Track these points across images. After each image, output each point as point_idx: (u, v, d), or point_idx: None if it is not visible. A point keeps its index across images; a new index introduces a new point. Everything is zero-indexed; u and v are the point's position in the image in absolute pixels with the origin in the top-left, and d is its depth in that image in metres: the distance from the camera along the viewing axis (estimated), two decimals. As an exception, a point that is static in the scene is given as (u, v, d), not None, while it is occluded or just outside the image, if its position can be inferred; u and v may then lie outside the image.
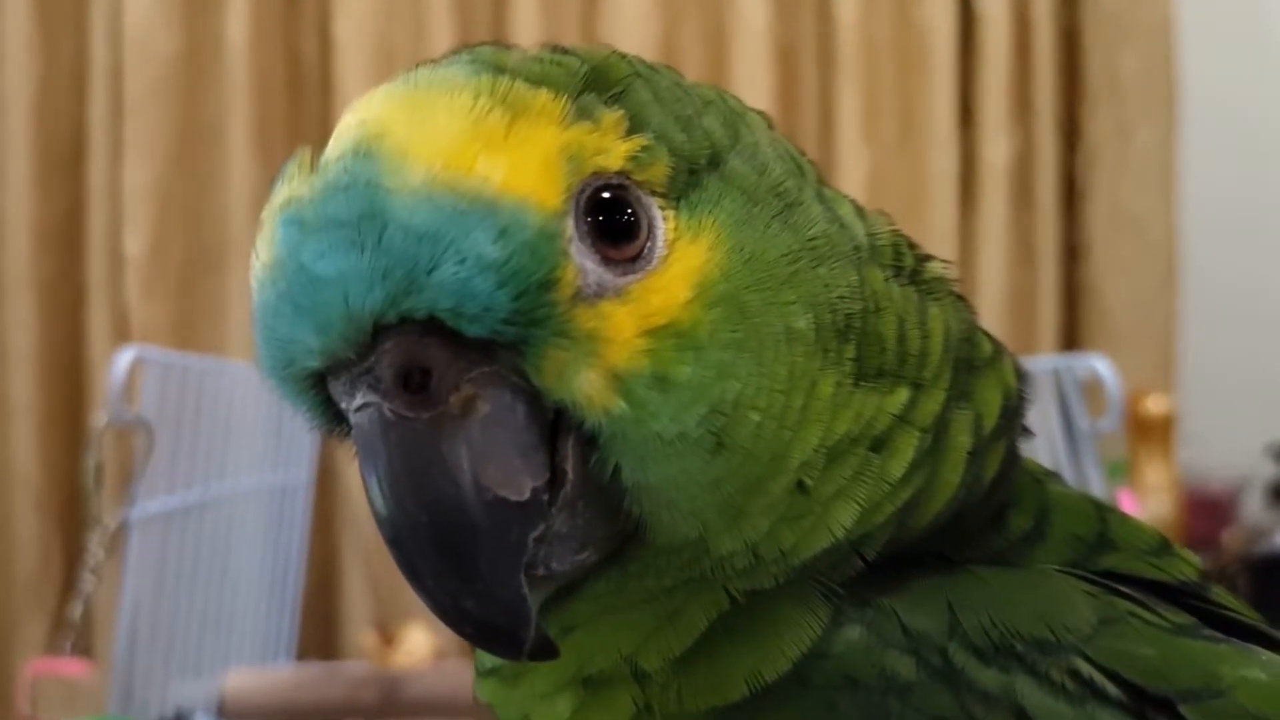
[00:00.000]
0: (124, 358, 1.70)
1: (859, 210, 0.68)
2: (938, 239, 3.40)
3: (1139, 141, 3.46)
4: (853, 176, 3.36)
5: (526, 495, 0.55)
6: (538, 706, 0.63)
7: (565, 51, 0.62)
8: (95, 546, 1.70)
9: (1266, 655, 0.62)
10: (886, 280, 0.65)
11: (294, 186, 0.57)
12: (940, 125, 3.40)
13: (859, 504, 0.60)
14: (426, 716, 1.78)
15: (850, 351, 0.61)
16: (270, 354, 0.57)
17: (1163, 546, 0.68)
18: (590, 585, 0.61)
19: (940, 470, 0.63)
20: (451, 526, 0.55)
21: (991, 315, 3.43)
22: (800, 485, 0.59)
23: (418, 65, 0.61)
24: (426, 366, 0.54)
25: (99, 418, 1.70)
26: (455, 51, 0.62)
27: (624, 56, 0.63)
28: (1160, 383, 3.35)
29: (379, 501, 0.56)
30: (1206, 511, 3.24)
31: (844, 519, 0.59)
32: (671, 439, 0.56)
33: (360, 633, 2.92)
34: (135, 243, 3.11)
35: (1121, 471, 3.07)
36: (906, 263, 0.67)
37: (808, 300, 0.60)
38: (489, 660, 0.67)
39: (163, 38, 3.14)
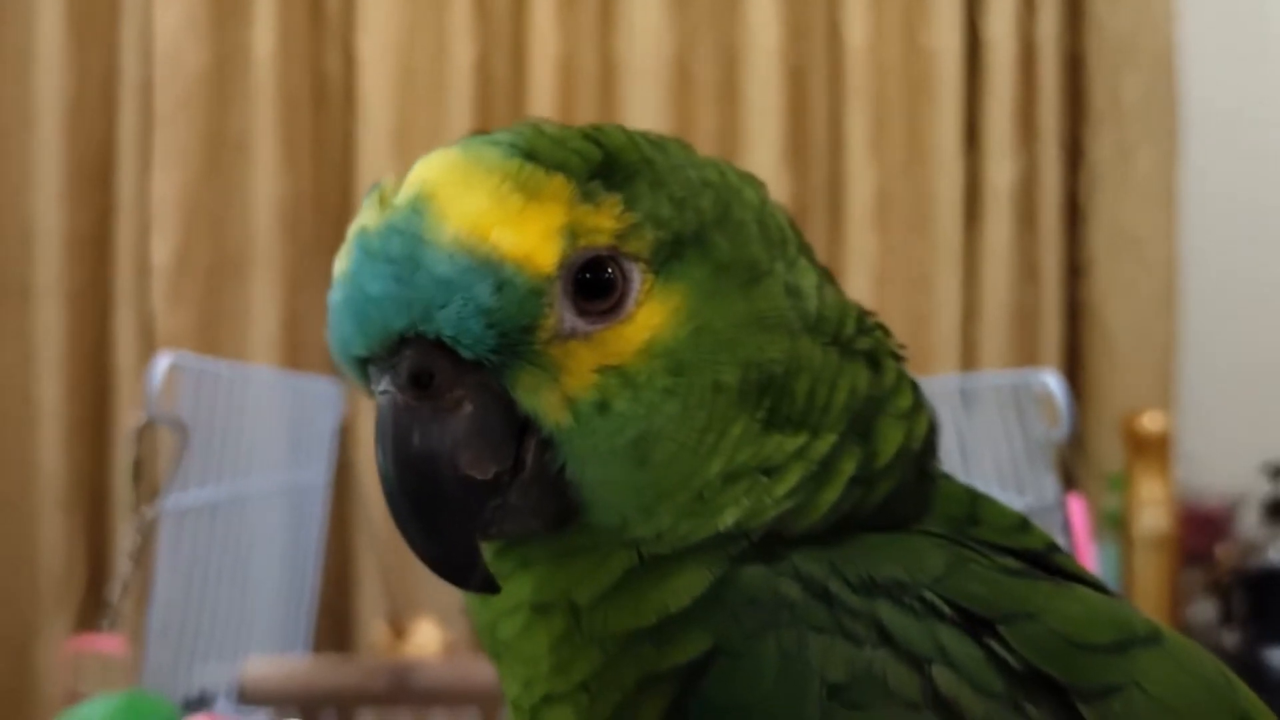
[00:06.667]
0: (162, 362, 1.85)
1: (821, 284, 0.81)
2: (942, 258, 3.46)
3: (1141, 163, 3.52)
4: (860, 196, 3.43)
5: (489, 476, 0.72)
6: (503, 619, 0.79)
7: (592, 137, 0.76)
8: (135, 534, 1.81)
9: (1084, 591, 0.75)
10: (813, 345, 0.78)
11: (369, 216, 0.74)
12: (946, 147, 3.46)
13: (744, 510, 0.75)
14: (435, 704, 1.87)
15: (766, 403, 0.75)
16: (335, 341, 0.75)
17: (1021, 525, 0.83)
18: (541, 537, 0.77)
19: (821, 491, 0.76)
20: (428, 490, 0.72)
21: (995, 333, 3.49)
22: (700, 495, 0.74)
23: (473, 133, 0.78)
24: (432, 371, 0.71)
25: (139, 417, 1.84)
26: (508, 128, 0.77)
27: (637, 144, 0.77)
28: (1159, 400, 3.42)
29: (382, 463, 0.73)
30: (1202, 528, 3.31)
31: (729, 519, 0.74)
32: (604, 452, 0.72)
33: (373, 626, 3.00)
34: (162, 251, 3.18)
35: (1119, 486, 3.15)
36: (846, 332, 0.80)
37: (741, 361, 0.74)
38: None
39: (191, 52, 3.23)
